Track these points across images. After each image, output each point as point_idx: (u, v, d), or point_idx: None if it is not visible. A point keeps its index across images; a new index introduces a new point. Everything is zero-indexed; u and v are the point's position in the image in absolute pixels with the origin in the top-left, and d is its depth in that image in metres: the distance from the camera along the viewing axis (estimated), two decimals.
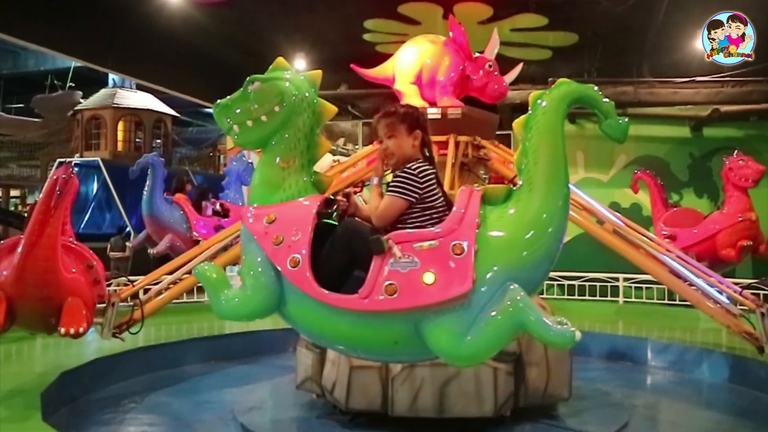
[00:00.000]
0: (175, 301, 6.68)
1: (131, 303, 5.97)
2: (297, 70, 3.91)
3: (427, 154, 3.86)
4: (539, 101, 3.59)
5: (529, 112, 3.60)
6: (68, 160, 18.69)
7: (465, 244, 3.24)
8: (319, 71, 4.10)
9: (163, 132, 20.77)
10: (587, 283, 12.48)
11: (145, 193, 10.21)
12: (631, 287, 11.26)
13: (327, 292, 3.36)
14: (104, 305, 5.74)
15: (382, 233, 3.41)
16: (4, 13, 11.13)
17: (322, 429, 5.39)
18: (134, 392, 6.82)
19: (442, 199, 3.58)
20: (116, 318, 5.85)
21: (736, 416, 6.40)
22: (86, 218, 17.94)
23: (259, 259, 3.53)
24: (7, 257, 5.17)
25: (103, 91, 21.21)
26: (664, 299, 10.68)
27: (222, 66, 15.13)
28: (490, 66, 7.13)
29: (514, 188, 3.54)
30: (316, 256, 3.44)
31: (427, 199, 3.51)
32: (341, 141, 20.44)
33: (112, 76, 20.92)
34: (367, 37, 12.77)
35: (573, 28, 12.88)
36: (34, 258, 4.92)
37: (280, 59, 3.96)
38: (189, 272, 6.19)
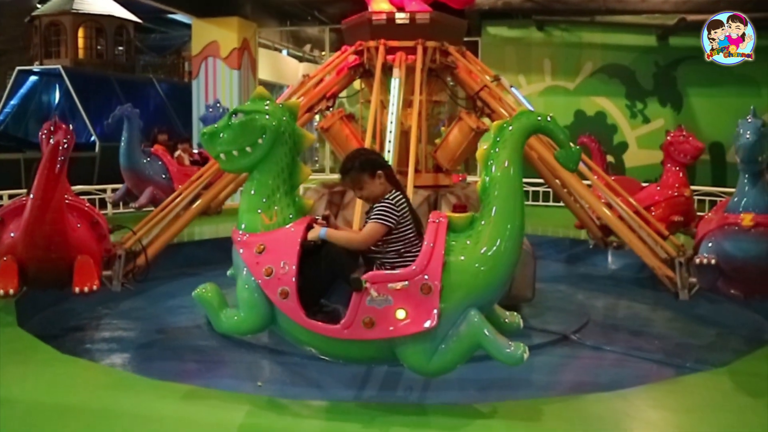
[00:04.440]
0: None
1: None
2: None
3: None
4: (504, 127, 3.89)
5: (492, 139, 3.90)
6: (28, 68, 18.32)
7: (432, 285, 3.66)
8: (299, 101, 4.27)
9: (125, 39, 20.25)
10: (550, 189, 12.69)
11: (122, 146, 10.03)
12: None
13: (314, 322, 3.80)
14: (109, 257, 5.83)
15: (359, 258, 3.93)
16: None
17: None
18: (108, 299, 6.88)
19: (412, 225, 3.94)
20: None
21: (690, 315, 6.68)
22: None
23: (252, 281, 3.90)
24: (14, 221, 5.21)
25: None
26: None
27: None
28: None
29: (476, 216, 3.90)
30: (301, 269, 3.82)
31: (401, 226, 3.88)
32: (308, 47, 20.17)
33: None
34: None
35: None
36: (42, 223, 4.95)
37: (261, 89, 4.24)
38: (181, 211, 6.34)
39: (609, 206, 6.62)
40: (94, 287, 5.25)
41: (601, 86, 15.34)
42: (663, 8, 13.86)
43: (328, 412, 3.87)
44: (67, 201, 5.38)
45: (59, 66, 17.21)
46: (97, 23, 19.50)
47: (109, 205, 11.48)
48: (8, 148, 14.38)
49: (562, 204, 12.57)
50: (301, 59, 20.47)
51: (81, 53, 19.29)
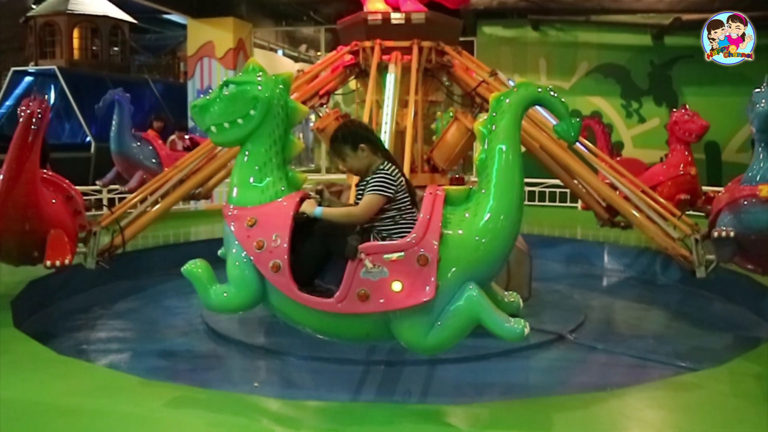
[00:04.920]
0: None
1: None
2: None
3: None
4: (501, 99, 3.82)
5: (490, 113, 3.84)
6: (23, 68, 18.27)
7: (429, 256, 3.56)
8: (291, 72, 4.22)
9: (120, 39, 20.19)
10: (547, 190, 12.73)
11: (112, 130, 10.02)
12: None
13: (306, 295, 3.71)
14: (86, 234, 5.79)
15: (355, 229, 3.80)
16: None
17: (290, 331, 5.51)
18: (103, 300, 6.91)
19: (407, 194, 3.87)
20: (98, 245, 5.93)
21: (685, 314, 6.72)
22: None
23: (242, 256, 3.83)
24: None
25: None
26: None
27: None
28: None
29: (473, 189, 3.82)
30: (294, 246, 3.75)
31: (398, 197, 3.80)
32: (303, 47, 20.16)
33: None
34: None
35: None
36: (14, 194, 4.91)
37: (253, 60, 4.17)
38: (164, 195, 6.30)
39: (615, 188, 6.57)
40: (66, 261, 5.18)
41: (597, 86, 15.35)
42: (658, 7, 13.88)
43: (326, 413, 3.84)
44: (49, 178, 5.39)
45: (54, 66, 17.17)
46: (92, 23, 19.44)
47: (104, 208, 11.45)
48: (4, 148, 14.29)
49: (557, 204, 12.67)
50: (296, 59, 20.44)
51: (76, 54, 19.23)
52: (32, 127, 4.77)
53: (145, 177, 9.56)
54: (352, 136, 3.97)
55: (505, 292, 4.07)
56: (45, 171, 5.49)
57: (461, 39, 7.91)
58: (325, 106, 7.34)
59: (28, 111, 4.81)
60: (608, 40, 15.29)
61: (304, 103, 6.66)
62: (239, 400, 3.98)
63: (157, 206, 6.34)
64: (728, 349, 5.50)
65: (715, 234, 5.30)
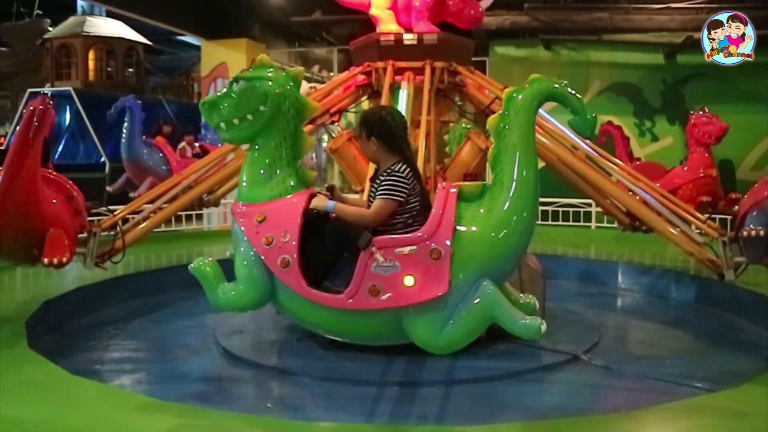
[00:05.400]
0: (154, 230, 6.75)
1: (113, 233, 6.08)
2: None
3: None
4: (514, 95, 3.72)
5: (503, 108, 3.77)
6: (39, 89, 18.43)
7: (442, 250, 3.52)
8: (301, 68, 4.23)
9: (135, 60, 20.38)
10: (561, 209, 12.68)
11: (123, 136, 10.10)
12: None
13: (316, 291, 3.69)
14: (86, 235, 5.80)
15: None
16: None
17: (303, 351, 5.52)
18: (117, 319, 6.91)
19: (419, 197, 3.84)
20: (98, 248, 5.95)
21: (701, 334, 6.63)
22: (60, 148, 17.78)
23: (251, 254, 3.82)
24: None
25: (72, 19, 20.70)
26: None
27: None
28: None
29: (487, 185, 3.81)
30: (304, 244, 3.74)
31: (410, 200, 3.79)
32: (316, 68, 20.24)
33: (81, 3, 20.39)
34: None
35: None
36: (15, 190, 4.90)
37: (263, 56, 4.13)
38: (168, 202, 6.32)
39: (635, 195, 6.52)
40: (64, 260, 5.19)
41: (610, 105, 15.32)
42: (669, 26, 13.87)
43: None
44: (51, 177, 5.42)
45: (70, 88, 17.37)
46: (108, 45, 19.65)
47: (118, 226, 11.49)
48: None
49: (571, 223, 12.61)
50: (309, 80, 20.52)
51: (91, 75, 19.42)
52: (34, 123, 4.78)
53: (155, 183, 9.65)
54: (372, 125, 3.95)
55: (520, 294, 4.02)
56: (49, 171, 5.52)
57: (473, 59, 7.93)
58: (336, 123, 7.36)
59: (31, 108, 4.83)
60: (620, 59, 15.30)
61: (314, 120, 6.70)
62: (251, 422, 3.96)
63: (160, 213, 6.36)
64: (745, 369, 5.42)
65: (745, 234, 5.30)
